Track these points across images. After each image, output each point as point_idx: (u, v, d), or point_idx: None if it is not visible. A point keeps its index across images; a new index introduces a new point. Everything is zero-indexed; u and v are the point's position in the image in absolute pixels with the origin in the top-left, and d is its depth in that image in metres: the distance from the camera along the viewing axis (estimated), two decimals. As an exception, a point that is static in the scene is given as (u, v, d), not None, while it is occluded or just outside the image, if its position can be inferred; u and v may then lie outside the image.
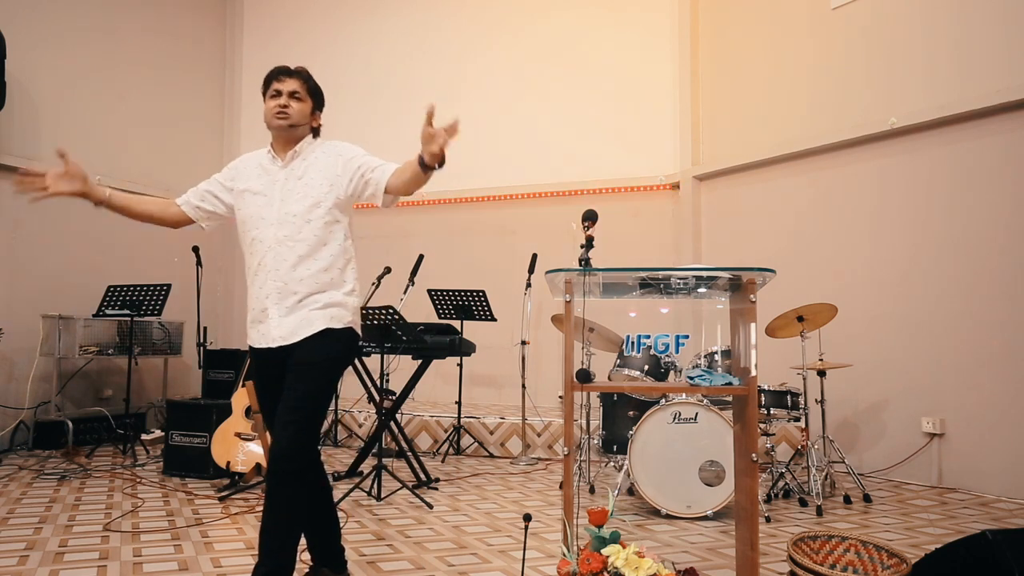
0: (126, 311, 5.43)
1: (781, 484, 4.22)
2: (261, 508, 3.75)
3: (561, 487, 3.99)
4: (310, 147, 2.47)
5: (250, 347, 2.45)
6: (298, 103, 2.41)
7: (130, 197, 2.48)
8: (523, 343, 5.52)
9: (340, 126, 7.47)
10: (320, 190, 2.38)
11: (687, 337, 2.68)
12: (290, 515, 2.26)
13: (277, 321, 2.33)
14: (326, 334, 2.33)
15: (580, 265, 2.45)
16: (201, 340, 5.72)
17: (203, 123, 7.60)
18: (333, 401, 6.07)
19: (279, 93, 2.40)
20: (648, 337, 2.76)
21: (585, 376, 2.47)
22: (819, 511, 3.84)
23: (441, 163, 2.19)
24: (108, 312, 5.46)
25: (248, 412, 4.42)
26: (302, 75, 2.45)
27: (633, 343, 2.84)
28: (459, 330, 4.93)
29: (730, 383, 2.49)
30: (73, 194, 2.32)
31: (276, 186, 2.40)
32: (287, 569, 2.22)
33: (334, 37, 7.57)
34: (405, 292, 5.17)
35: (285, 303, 2.33)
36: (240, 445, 4.35)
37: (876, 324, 4.95)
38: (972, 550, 2.12)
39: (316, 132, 2.52)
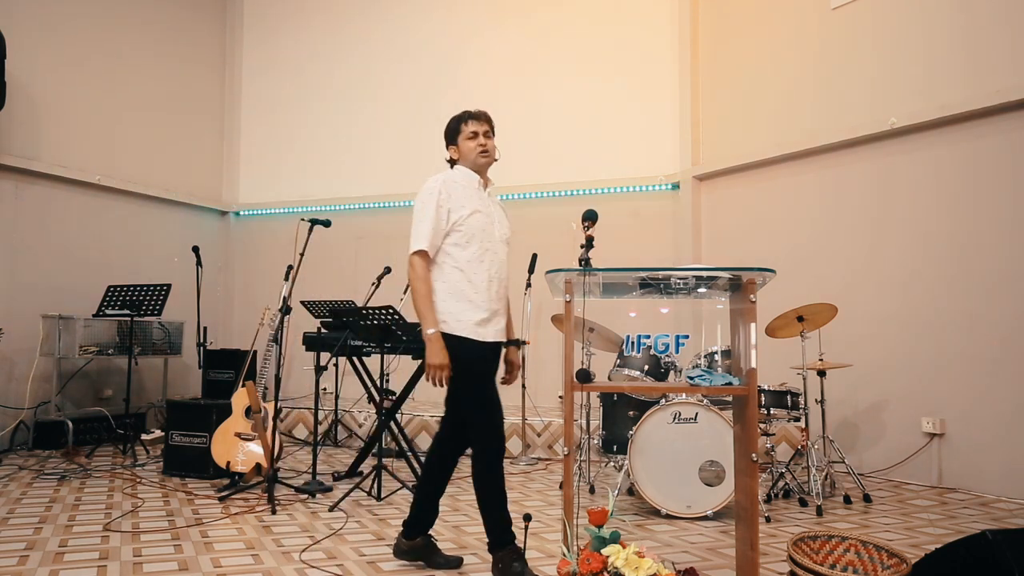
0: (126, 311, 5.43)
1: (781, 484, 4.22)
2: (262, 508, 3.77)
3: (561, 487, 3.99)
4: (493, 187, 2.96)
5: (478, 342, 2.74)
6: (490, 140, 2.89)
7: (432, 296, 2.75)
8: (523, 343, 5.52)
9: (339, 122, 7.48)
10: (508, 228, 2.95)
11: (687, 337, 2.68)
12: None
13: (501, 321, 2.84)
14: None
15: (580, 265, 2.45)
16: (201, 340, 5.72)
17: (203, 123, 7.61)
18: (333, 401, 6.08)
19: (477, 134, 2.86)
20: (648, 337, 2.76)
21: (585, 376, 2.47)
22: (819, 511, 3.84)
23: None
24: (108, 312, 5.46)
25: (248, 412, 4.42)
26: (487, 116, 2.93)
27: (633, 343, 2.85)
28: (459, 330, 4.93)
29: (730, 383, 2.49)
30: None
31: (490, 209, 2.86)
32: None
33: (334, 32, 7.58)
34: (405, 292, 5.17)
35: (504, 308, 2.88)
36: (240, 445, 4.35)
37: (876, 324, 4.95)
38: (972, 550, 2.12)
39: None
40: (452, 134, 2.93)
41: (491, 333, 2.79)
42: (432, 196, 2.77)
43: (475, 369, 2.75)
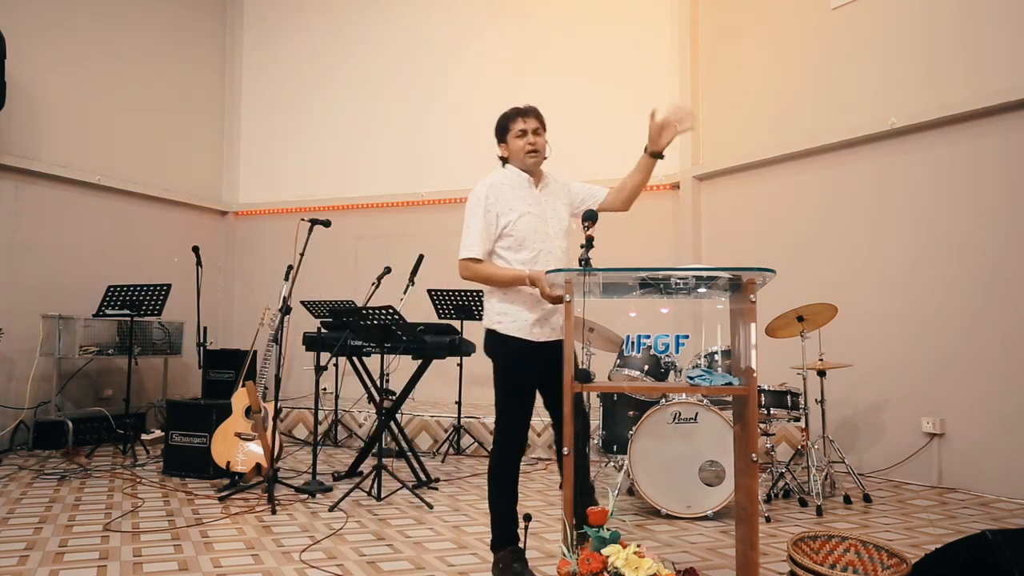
0: (126, 311, 5.43)
1: (781, 484, 4.22)
2: (262, 508, 3.77)
3: (561, 487, 3.99)
4: (550, 179, 2.93)
5: (525, 341, 2.74)
6: (540, 138, 2.83)
7: (498, 269, 2.78)
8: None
9: (339, 122, 7.48)
10: (566, 216, 2.91)
11: (687, 337, 2.68)
12: None
13: (558, 319, 2.74)
14: None
15: (580, 265, 2.44)
16: (201, 340, 5.72)
17: (203, 123, 7.61)
18: (333, 401, 6.08)
19: (525, 132, 2.81)
20: (648, 337, 2.75)
21: (585, 376, 2.47)
22: (819, 511, 3.84)
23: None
24: (108, 312, 5.46)
25: (248, 412, 4.42)
26: (537, 112, 2.88)
27: (633, 343, 2.84)
28: (459, 330, 4.93)
29: (730, 383, 2.48)
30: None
31: (542, 207, 2.83)
32: None
33: (334, 32, 7.58)
34: (405, 292, 5.17)
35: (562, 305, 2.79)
36: (240, 445, 4.35)
37: (876, 324, 4.95)
38: (972, 550, 2.12)
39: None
40: (501, 131, 2.90)
41: (545, 332, 2.80)
42: (479, 201, 2.77)
43: (514, 368, 2.77)
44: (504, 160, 2.92)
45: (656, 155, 2.86)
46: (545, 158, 2.86)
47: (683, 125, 2.81)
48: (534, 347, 2.76)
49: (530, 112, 2.84)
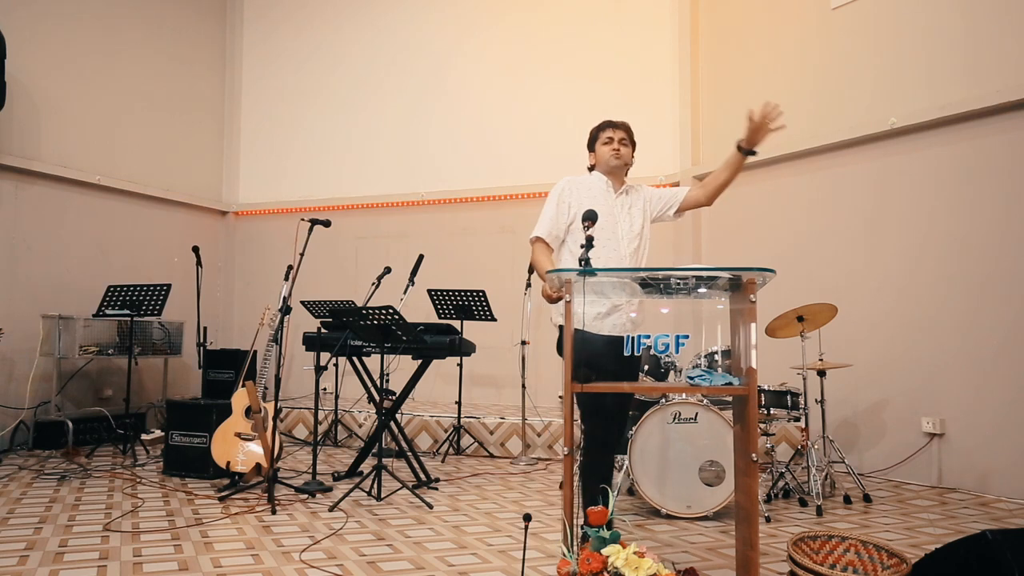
0: (126, 311, 5.43)
1: (781, 484, 4.22)
2: (262, 508, 3.77)
3: (561, 487, 3.99)
4: (630, 187, 3.12)
5: (591, 335, 2.78)
6: (625, 148, 3.07)
7: (545, 260, 2.97)
8: (523, 343, 5.52)
9: (340, 122, 7.48)
10: (639, 220, 3.07)
11: (687, 337, 2.68)
12: None
13: (625, 317, 2.90)
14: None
15: (580, 265, 2.45)
16: (201, 340, 5.72)
17: (203, 123, 7.61)
18: (333, 401, 6.08)
19: (612, 139, 3.06)
20: (648, 337, 2.75)
21: (585, 376, 2.47)
22: (819, 511, 3.84)
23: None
24: (108, 312, 5.46)
25: (248, 412, 4.41)
26: (626, 125, 3.14)
27: (633, 343, 2.84)
28: (459, 330, 4.93)
29: (730, 383, 2.49)
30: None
31: (616, 210, 3.00)
32: None
33: (334, 32, 7.59)
34: (405, 292, 5.17)
35: (627, 303, 2.90)
36: (240, 445, 4.35)
37: (876, 324, 4.95)
38: (972, 550, 2.12)
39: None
40: (591, 141, 3.15)
41: (608, 326, 2.88)
42: (555, 191, 3.04)
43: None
44: (591, 169, 3.14)
45: (749, 152, 3.08)
46: (628, 165, 3.07)
47: (775, 124, 3.00)
48: (598, 339, 2.83)
49: (619, 125, 3.11)
